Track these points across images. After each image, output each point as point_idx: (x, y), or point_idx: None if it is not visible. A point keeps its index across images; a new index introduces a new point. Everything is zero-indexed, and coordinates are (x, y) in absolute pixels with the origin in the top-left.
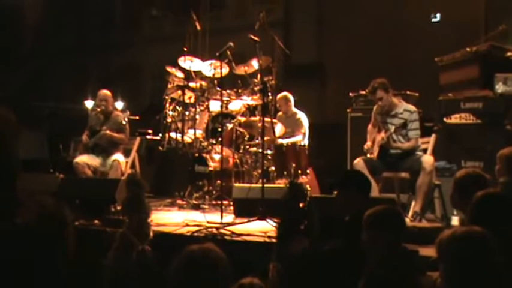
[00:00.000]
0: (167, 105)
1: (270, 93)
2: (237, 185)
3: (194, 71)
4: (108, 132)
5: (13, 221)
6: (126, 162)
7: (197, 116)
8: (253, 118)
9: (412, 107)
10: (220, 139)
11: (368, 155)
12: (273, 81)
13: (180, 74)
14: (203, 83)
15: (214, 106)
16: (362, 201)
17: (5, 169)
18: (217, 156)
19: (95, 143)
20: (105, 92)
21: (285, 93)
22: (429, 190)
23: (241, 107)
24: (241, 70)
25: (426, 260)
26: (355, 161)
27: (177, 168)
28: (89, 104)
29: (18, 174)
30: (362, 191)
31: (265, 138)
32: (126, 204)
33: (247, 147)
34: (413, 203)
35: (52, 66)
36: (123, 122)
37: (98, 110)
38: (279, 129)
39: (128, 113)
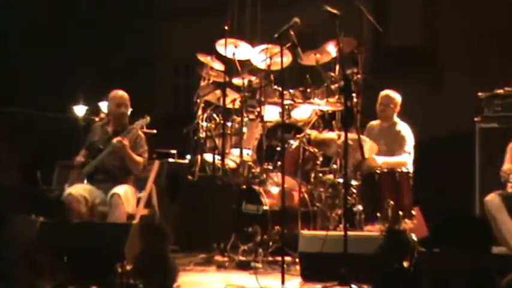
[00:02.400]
0: (199, 112)
1: (354, 94)
2: (305, 232)
3: (240, 61)
4: (125, 142)
5: None
6: (139, 198)
7: (244, 129)
8: (328, 132)
9: None
10: (279, 163)
11: (509, 187)
12: (359, 75)
13: (219, 66)
14: (253, 78)
15: (271, 114)
16: (486, 258)
17: None
18: (275, 190)
19: (96, 166)
20: (124, 93)
21: (387, 91)
22: None
23: (312, 114)
24: (311, 59)
25: None
26: (488, 198)
27: (215, 207)
28: (79, 110)
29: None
30: (486, 246)
31: (349, 161)
32: (141, 262)
33: (321, 175)
34: None
35: (25, 56)
36: (141, 134)
37: (97, 119)
38: (368, 147)
39: (147, 119)
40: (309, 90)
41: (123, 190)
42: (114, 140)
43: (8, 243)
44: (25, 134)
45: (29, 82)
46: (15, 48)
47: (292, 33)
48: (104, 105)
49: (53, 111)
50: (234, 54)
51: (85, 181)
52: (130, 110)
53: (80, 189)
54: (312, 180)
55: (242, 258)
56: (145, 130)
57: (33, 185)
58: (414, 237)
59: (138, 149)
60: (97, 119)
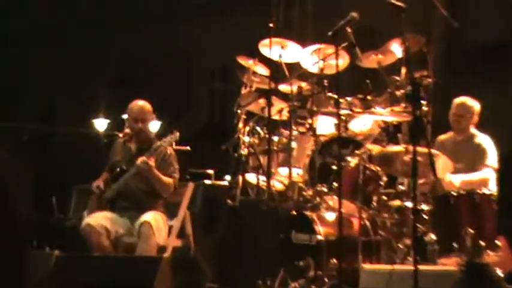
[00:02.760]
0: (240, 125)
1: (424, 101)
2: (367, 266)
3: (287, 64)
4: (150, 162)
5: None
6: (170, 227)
7: (294, 144)
8: (394, 147)
9: None
10: (336, 184)
11: None
12: (429, 79)
13: (263, 70)
14: (303, 84)
15: (325, 126)
16: None
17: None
18: (330, 216)
19: (119, 191)
20: (143, 105)
21: (463, 98)
22: None
23: (373, 126)
24: (371, 61)
25: None
26: None
27: (260, 237)
28: (100, 124)
29: (27, 246)
30: None
31: (420, 181)
32: None
33: (385, 198)
34: None
35: (35, 60)
36: (169, 152)
37: (121, 135)
38: (442, 164)
39: (177, 134)
40: (369, 97)
41: (154, 218)
42: (138, 161)
43: (19, 283)
44: (38, 153)
45: (39, 91)
46: (22, 47)
47: (349, 30)
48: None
49: (69, 126)
50: (280, 56)
51: (106, 208)
52: (153, 122)
53: (100, 219)
54: (375, 204)
55: None
56: (175, 147)
57: (47, 214)
58: (499, 272)
59: (167, 169)
60: (121, 135)
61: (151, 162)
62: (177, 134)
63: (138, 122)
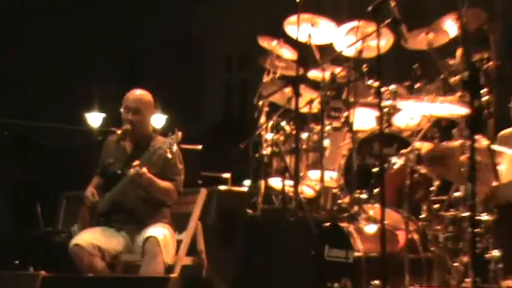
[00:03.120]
0: (262, 119)
1: (484, 89)
2: None
3: (319, 46)
4: (144, 172)
5: None
6: (179, 242)
7: (326, 142)
8: (448, 143)
9: None
10: (377, 190)
11: None
12: (490, 63)
13: (289, 54)
14: (338, 70)
15: (364, 120)
16: None
17: None
18: (371, 228)
19: (114, 201)
20: (141, 94)
21: None
22: None
23: (422, 120)
24: (420, 41)
25: None
26: None
27: (286, 253)
28: (94, 119)
29: None
30: None
31: (479, 186)
32: None
33: (437, 207)
34: None
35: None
36: (169, 156)
37: (119, 132)
38: (508, 165)
39: (179, 135)
40: (417, 85)
41: (161, 232)
42: (131, 171)
43: None
44: (19, 153)
45: (21, 79)
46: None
47: (393, 4)
48: None
49: (57, 121)
50: (310, 36)
51: (100, 223)
52: (153, 115)
53: (91, 237)
54: (425, 214)
55: None
56: (185, 146)
57: (30, 226)
58: None
59: (170, 170)
60: (119, 131)
61: (144, 171)
62: (179, 134)
63: (129, 113)
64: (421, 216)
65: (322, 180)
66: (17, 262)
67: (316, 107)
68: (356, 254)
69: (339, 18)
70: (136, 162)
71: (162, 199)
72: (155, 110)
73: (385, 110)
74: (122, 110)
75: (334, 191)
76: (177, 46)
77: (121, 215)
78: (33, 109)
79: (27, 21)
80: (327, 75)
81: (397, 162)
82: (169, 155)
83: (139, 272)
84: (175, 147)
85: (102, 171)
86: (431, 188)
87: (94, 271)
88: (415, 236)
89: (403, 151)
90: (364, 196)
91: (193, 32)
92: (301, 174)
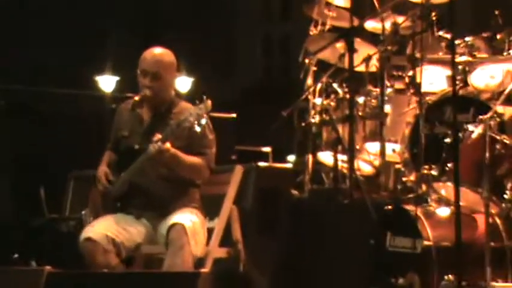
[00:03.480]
0: (309, 81)
1: None
2: (498, 284)
3: None
4: (168, 148)
5: None
6: (210, 230)
7: (387, 108)
8: None
9: None
10: (450, 164)
11: None
12: None
13: (341, 0)
14: (400, 19)
15: (433, 80)
16: None
17: None
18: (443, 211)
19: (130, 182)
20: (160, 55)
21: None
22: None
23: (505, 79)
24: None
25: None
26: None
27: (339, 242)
28: (106, 83)
29: None
30: None
31: None
32: None
33: None
34: None
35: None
36: (197, 129)
37: (137, 98)
38: None
39: (208, 104)
40: (498, 36)
41: (189, 219)
42: (151, 148)
43: None
44: (19, 125)
45: (25, 40)
46: None
47: None
48: None
49: (63, 86)
50: None
51: (115, 209)
52: (176, 78)
53: (105, 229)
54: (509, 194)
55: None
56: (216, 114)
57: (32, 212)
58: None
59: (198, 142)
60: (136, 98)
61: (167, 147)
62: (209, 103)
63: (146, 78)
64: (505, 197)
65: (382, 154)
66: (16, 256)
67: (374, 65)
68: (425, 243)
69: None
70: (157, 137)
71: (190, 178)
72: (178, 73)
73: (460, 67)
74: (138, 72)
75: (398, 166)
76: None
77: (140, 199)
78: (35, 72)
79: None
80: (388, 26)
81: (474, 130)
82: (197, 128)
83: (163, 266)
84: (204, 120)
85: (115, 146)
86: None
87: (108, 269)
88: (498, 221)
89: (481, 117)
90: (434, 173)
91: None
92: (357, 146)
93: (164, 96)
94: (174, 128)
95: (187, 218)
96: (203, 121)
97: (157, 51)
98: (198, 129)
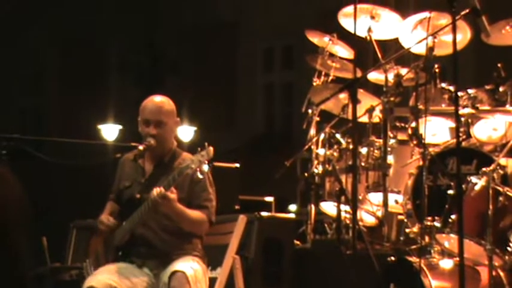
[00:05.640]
0: (312, 131)
1: None
2: None
3: (380, 43)
4: (172, 195)
5: None
6: (213, 279)
7: (391, 159)
8: None
9: None
10: (453, 216)
11: None
12: None
13: (344, 52)
14: (403, 71)
15: (436, 132)
16: None
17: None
18: (447, 264)
19: (133, 231)
20: (161, 102)
21: None
22: None
23: (509, 131)
24: (505, 35)
25: None
26: None
27: None
28: (109, 131)
29: None
30: None
31: None
32: None
33: None
34: None
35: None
36: (200, 176)
37: (141, 148)
38: None
39: (210, 151)
40: (501, 89)
41: (190, 266)
42: (154, 193)
43: None
44: (19, 174)
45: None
46: None
47: None
48: None
49: (65, 135)
50: (370, 30)
51: (117, 258)
52: (178, 127)
53: (107, 278)
54: None
55: None
56: (219, 164)
57: (35, 261)
58: None
59: (198, 195)
60: (140, 147)
61: (173, 195)
62: (211, 150)
63: (149, 126)
64: (508, 249)
65: (385, 204)
66: None
67: (377, 116)
68: None
69: (404, 9)
70: (157, 188)
71: (191, 231)
72: (180, 121)
73: (463, 119)
74: (139, 122)
75: (400, 217)
76: (208, 41)
77: (143, 248)
78: (37, 122)
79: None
80: (391, 77)
81: (477, 182)
82: (200, 175)
83: None
84: (206, 166)
85: (117, 197)
86: None
87: None
88: (501, 273)
89: (485, 169)
90: (437, 224)
91: (227, 22)
92: (360, 197)
93: (167, 145)
94: (175, 176)
95: (188, 265)
96: (205, 168)
97: (158, 99)
98: (200, 176)
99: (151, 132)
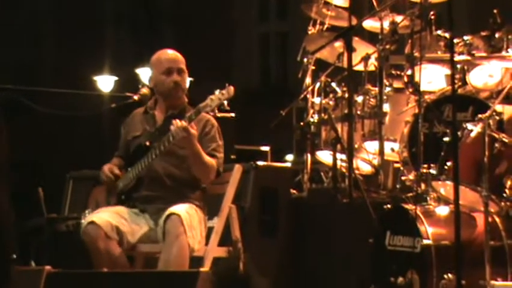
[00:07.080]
0: (307, 80)
1: None
2: (498, 284)
3: None
4: (193, 130)
5: None
6: (210, 229)
7: (386, 107)
8: None
9: None
10: (449, 163)
11: None
12: None
13: (339, 0)
14: (399, 18)
15: (432, 79)
16: None
17: None
18: (443, 210)
19: (139, 177)
20: (174, 52)
21: None
22: None
23: (505, 77)
24: None
25: None
26: None
27: (338, 242)
28: (105, 83)
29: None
30: None
31: None
32: None
33: None
34: None
35: None
36: (211, 121)
37: (136, 98)
38: None
39: (231, 90)
40: (497, 35)
41: (186, 211)
42: (175, 126)
43: None
44: (14, 126)
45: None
46: None
47: None
48: (145, 74)
49: (59, 85)
50: None
51: (119, 202)
52: (188, 80)
53: (109, 216)
54: (508, 192)
55: None
56: (217, 114)
57: (31, 213)
58: None
59: (208, 145)
60: (135, 97)
61: (193, 130)
62: (231, 89)
63: (171, 74)
64: (504, 195)
65: (381, 153)
66: (14, 256)
67: (373, 64)
68: (424, 242)
69: None
70: (179, 122)
71: (200, 176)
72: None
73: (459, 66)
74: (156, 72)
75: (396, 165)
76: None
77: (146, 193)
78: (32, 71)
79: None
80: (386, 25)
81: (473, 129)
82: (212, 120)
83: (159, 261)
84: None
85: (124, 150)
86: None
87: (111, 258)
88: (497, 220)
89: (480, 116)
90: (433, 171)
91: None
92: (356, 145)
93: (183, 95)
94: (193, 115)
95: (184, 210)
96: (224, 105)
97: (170, 51)
98: (212, 119)
99: (176, 79)
